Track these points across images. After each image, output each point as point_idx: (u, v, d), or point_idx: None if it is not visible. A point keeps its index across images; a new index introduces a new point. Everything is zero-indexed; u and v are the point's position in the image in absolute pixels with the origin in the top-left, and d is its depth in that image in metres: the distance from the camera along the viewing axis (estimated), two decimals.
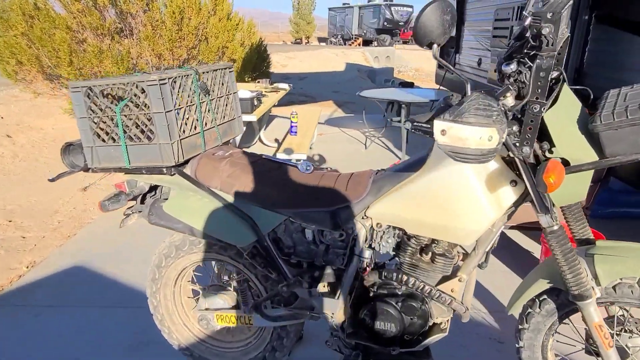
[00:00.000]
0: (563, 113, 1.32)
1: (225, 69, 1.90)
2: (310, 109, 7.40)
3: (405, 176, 1.54)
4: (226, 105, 1.90)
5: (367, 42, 28.48)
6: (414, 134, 6.59)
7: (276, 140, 6.22)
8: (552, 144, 1.31)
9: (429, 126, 1.23)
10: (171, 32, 6.13)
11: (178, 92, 1.61)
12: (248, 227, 1.63)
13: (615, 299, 1.46)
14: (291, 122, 4.68)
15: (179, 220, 1.68)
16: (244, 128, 1.99)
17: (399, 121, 6.27)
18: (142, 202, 1.83)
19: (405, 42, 30.30)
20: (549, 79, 1.25)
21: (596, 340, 1.46)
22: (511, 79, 1.58)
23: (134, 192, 1.77)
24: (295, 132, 4.69)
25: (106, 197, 1.73)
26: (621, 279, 1.43)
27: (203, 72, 1.75)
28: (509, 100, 1.40)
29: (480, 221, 1.43)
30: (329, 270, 1.67)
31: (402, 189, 1.52)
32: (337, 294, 1.69)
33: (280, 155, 4.16)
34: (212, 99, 1.81)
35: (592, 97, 1.43)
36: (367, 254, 1.62)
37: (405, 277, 1.60)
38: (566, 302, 1.53)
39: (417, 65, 17.63)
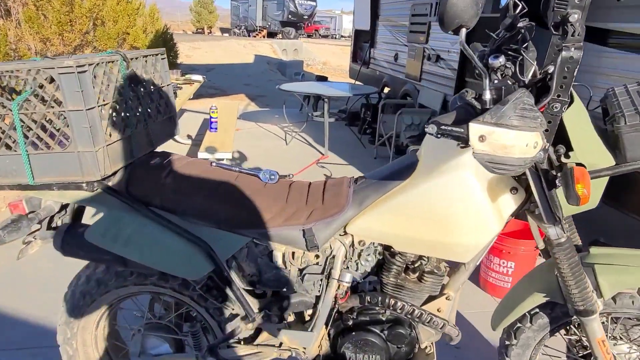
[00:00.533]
0: (577, 113, 1.17)
1: (157, 54, 1.53)
2: (228, 103, 6.97)
3: (392, 185, 1.32)
4: (160, 100, 1.53)
5: (271, 34, 28.11)
6: (338, 128, 6.48)
7: (189, 136, 5.72)
8: (569, 148, 1.16)
9: (460, 130, 1.01)
10: (59, 14, 5.32)
11: (101, 83, 1.22)
12: (202, 255, 1.30)
13: (614, 310, 1.37)
14: (210, 117, 4.27)
15: (106, 251, 1.29)
16: (180, 128, 1.63)
17: (320, 115, 6.10)
18: (51, 226, 1.40)
19: (309, 36, 30.43)
20: (566, 75, 1.09)
21: (597, 356, 1.36)
22: (498, 74, 1.43)
23: (38, 215, 1.34)
24: (216, 129, 4.29)
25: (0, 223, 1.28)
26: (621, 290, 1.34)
27: (132, 58, 1.37)
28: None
29: (481, 235, 1.25)
30: (301, 299, 1.40)
31: (390, 200, 1.29)
32: (311, 326, 1.42)
33: (202, 155, 3.76)
34: (143, 92, 1.43)
35: (591, 95, 1.31)
36: (348, 277, 1.37)
37: (391, 301, 1.38)
38: (561, 315, 1.41)
39: (325, 59, 17.70)
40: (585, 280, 1.29)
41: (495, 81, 1.38)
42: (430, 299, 1.45)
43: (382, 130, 5.34)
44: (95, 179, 1.22)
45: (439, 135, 1.04)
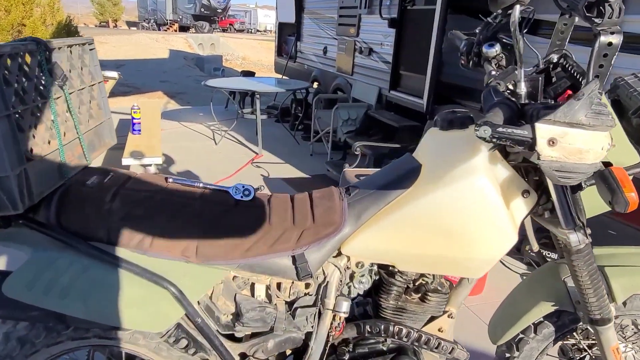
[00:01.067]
0: None
1: (84, 44, 1.20)
2: (149, 101, 6.41)
3: (393, 195, 1.12)
4: (91, 101, 1.21)
5: (183, 29, 26.91)
6: (269, 125, 6.21)
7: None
8: None
9: (524, 132, 0.83)
10: None
11: (15, 81, 0.90)
12: (168, 300, 1.02)
13: (624, 313, 1.29)
14: (133, 118, 3.82)
15: (36, 307, 0.97)
16: (116, 136, 1.32)
17: (251, 113, 5.80)
18: None
19: (224, 30, 29.55)
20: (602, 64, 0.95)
21: None
22: (493, 64, 1.29)
23: None
24: (139, 131, 3.85)
25: None
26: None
27: (54, 49, 1.04)
28: (523, 87, 1.09)
29: (499, 247, 1.10)
30: (289, 336, 1.17)
31: (392, 213, 1.10)
32: None
33: (127, 161, 3.33)
34: (72, 92, 1.11)
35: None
36: (344, 306, 1.16)
37: (395, 328, 1.19)
38: (567, 323, 1.32)
39: (243, 53, 17.21)
40: (602, 287, 1.19)
41: (493, 72, 1.24)
42: (431, 318, 1.28)
43: (317, 126, 5.17)
44: (14, 212, 0.90)
45: (494, 139, 0.85)
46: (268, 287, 1.13)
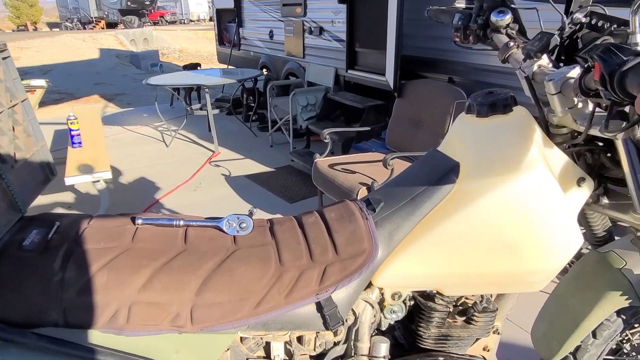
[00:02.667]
0: None
1: None
2: (85, 108, 5.85)
3: (429, 206, 0.90)
4: (14, 127, 0.90)
5: (111, 25, 25.39)
6: (221, 120, 5.82)
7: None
8: None
9: None
10: None
11: None
12: None
13: None
14: (70, 130, 3.38)
15: None
16: (54, 167, 1.00)
17: (200, 109, 5.41)
18: None
19: (155, 23, 28.18)
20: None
21: None
22: (504, 33, 1.08)
23: None
24: (80, 143, 3.42)
25: None
26: None
27: None
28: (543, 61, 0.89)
29: (567, 252, 0.90)
30: None
31: (432, 229, 0.88)
32: None
33: (71, 180, 2.93)
34: None
35: None
36: (383, 349, 0.94)
37: None
38: (628, 318, 1.15)
39: (180, 46, 16.40)
40: None
41: (511, 43, 1.03)
42: (476, 339, 1.08)
43: (274, 115, 4.87)
44: None
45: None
46: (287, 343, 0.88)
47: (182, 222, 0.88)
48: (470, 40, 1.14)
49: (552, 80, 0.83)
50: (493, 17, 1.05)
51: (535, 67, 0.88)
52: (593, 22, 0.96)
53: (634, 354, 1.34)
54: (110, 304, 0.73)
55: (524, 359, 1.91)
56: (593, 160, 0.95)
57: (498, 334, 1.10)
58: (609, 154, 0.94)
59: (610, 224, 1.23)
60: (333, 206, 0.97)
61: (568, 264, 1.28)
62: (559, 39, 0.88)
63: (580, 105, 0.84)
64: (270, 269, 0.82)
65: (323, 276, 0.83)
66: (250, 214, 0.96)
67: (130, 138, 5.40)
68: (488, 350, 1.10)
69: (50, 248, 0.77)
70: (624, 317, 1.14)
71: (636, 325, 1.22)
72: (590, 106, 0.84)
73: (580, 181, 0.93)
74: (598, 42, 0.80)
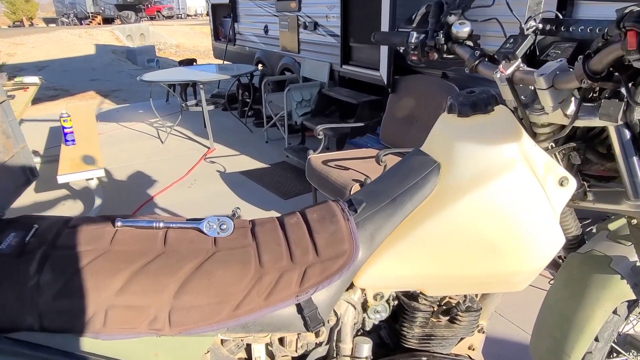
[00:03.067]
0: None
1: None
2: (80, 105, 5.83)
3: (410, 206, 0.89)
4: None
5: (108, 20, 25.28)
6: (216, 115, 5.80)
7: (35, 152, 4.63)
8: None
9: None
10: None
11: None
12: None
13: None
14: (63, 128, 3.37)
15: None
16: (36, 169, 0.99)
17: (195, 105, 5.39)
18: None
19: (152, 18, 28.06)
20: None
21: None
22: (467, 44, 1.09)
23: None
24: (73, 141, 3.41)
25: None
26: None
27: None
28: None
29: (549, 251, 0.90)
30: None
31: (413, 230, 0.87)
32: None
33: (63, 178, 2.92)
34: None
35: None
36: (365, 350, 0.93)
37: None
38: (625, 312, 1.14)
39: (177, 41, 16.33)
40: None
41: (477, 52, 1.04)
42: (461, 338, 1.08)
43: (269, 111, 4.86)
44: None
45: None
46: (269, 344, 0.88)
47: (162, 224, 0.87)
48: (429, 56, 1.15)
49: (544, 74, 0.82)
50: (454, 29, 1.08)
51: (512, 69, 0.88)
52: (547, 27, 0.97)
53: (633, 351, 1.34)
54: (87, 308, 0.73)
55: (515, 354, 1.91)
56: (577, 157, 0.95)
57: (483, 332, 1.10)
58: (594, 149, 0.94)
59: (581, 227, 1.23)
60: (315, 207, 0.97)
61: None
62: (534, 38, 0.88)
63: (572, 99, 0.85)
64: (250, 271, 0.82)
65: (303, 278, 0.83)
66: (234, 215, 0.96)
67: (125, 134, 5.39)
68: (473, 349, 1.10)
69: (27, 251, 0.76)
70: (622, 313, 1.13)
71: (631, 318, 1.22)
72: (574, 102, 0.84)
73: (562, 180, 0.93)
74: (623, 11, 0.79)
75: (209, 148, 4.73)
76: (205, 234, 0.87)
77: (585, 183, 1.02)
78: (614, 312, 1.12)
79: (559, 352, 1.12)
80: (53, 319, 0.72)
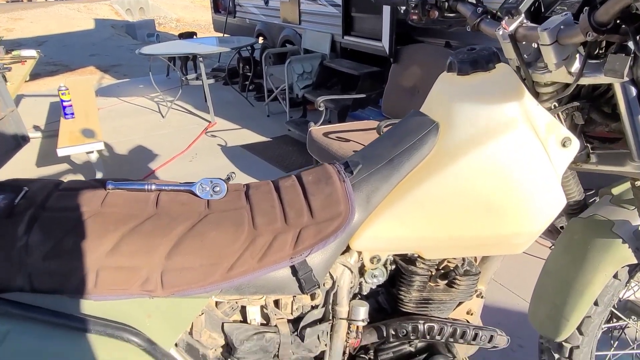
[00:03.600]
0: None
1: None
2: (79, 79, 5.78)
3: (408, 167, 0.87)
4: None
5: None
6: (217, 90, 5.74)
7: (37, 128, 4.62)
8: None
9: None
10: None
11: None
12: (133, 354, 0.74)
13: None
14: (62, 101, 3.35)
15: None
16: (26, 131, 0.97)
17: (195, 79, 5.34)
18: None
19: None
20: None
21: None
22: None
23: None
24: (72, 114, 3.39)
25: None
26: None
27: None
28: None
29: (549, 213, 0.88)
30: (297, 357, 0.93)
31: (411, 191, 0.85)
32: None
33: (63, 151, 2.91)
34: None
35: None
36: (362, 313, 0.93)
37: (424, 326, 0.98)
38: (625, 276, 1.12)
39: (177, 15, 16.06)
40: None
41: (479, 9, 1.00)
42: (459, 302, 1.08)
43: (270, 85, 4.80)
44: None
45: None
46: (264, 307, 0.88)
47: (154, 187, 0.86)
48: (430, 15, 1.11)
49: (547, 29, 0.79)
50: None
51: (515, 25, 0.84)
52: None
53: (633, 317, 1.34)
54: (77, 269, 0.72)
55: (514, 323, 1.92)
56: (580, 117, 0.92)
57: (482, 297, 1.09)
58: (598, 109, 0.91)
59: (583, 191, 1.21)
60: (311, 169, 0.95)
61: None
62: None
63: (577, 55, 0.81)
64: (243, 233, 0.80)
65: (297, 240, 0.81)
66: (228, 179, 0.94)
67: (126, 109, 5.35)
68: (472, 314, 1.10)
69: (16, 213, 0.75)
70: (623, 278, 1.12)
71: (632, 284, 1.21)
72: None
73: (565, 141, 0.90)
74: None
75: (210, 122, 4.69)
76: (198, 197, 0.86)
77: (588, 145, 0.99)
78: (615, 276, 1.10)
79: (558, 317, 1.11)
80: (43, 279, 0.71)
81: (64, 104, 3.36)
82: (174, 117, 4.94)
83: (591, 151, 0.99)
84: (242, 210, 0.84)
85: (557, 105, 0.92)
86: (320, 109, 3.04)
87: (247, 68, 5.76)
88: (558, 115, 0.92)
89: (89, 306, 0.73)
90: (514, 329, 1.88)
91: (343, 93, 4.13)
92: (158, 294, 0.75)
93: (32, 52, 4.31)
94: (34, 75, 6.95)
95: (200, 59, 4.61)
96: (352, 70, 3.86)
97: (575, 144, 0.91)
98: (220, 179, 0.88)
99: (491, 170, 0.83)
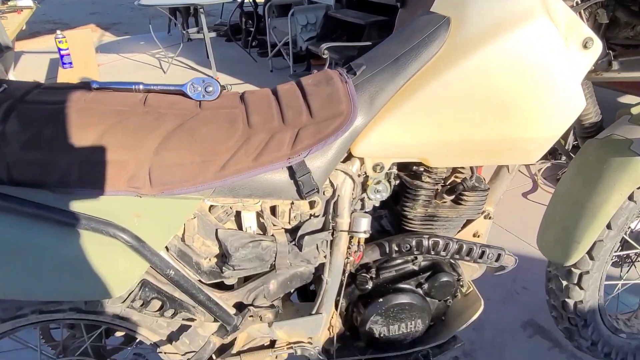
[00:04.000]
0: None
1: None
2: (78, 32, 5.64)
3: (416, 66, 0.81)
4: None
5: None
6: (220, 46, 5.60)
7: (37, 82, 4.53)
8: None
9: None
10: None
11: None
12: (120, 252, 0.70)
13: None
14: (59, 49, 3.26)
15: None
16: (11, 43, 0.91)
17: (197, 32, 5.20)
18: None
19: None
20: None
21: None
22: None
23: None
24: (70, 63, 3.31)
25: None
26: None
27: None
28: None
29: (566, 117, 0.82)
30: (296, 272, 0.89)
31: (418, 92, 0.79)
32: (316, 305, 0.93)
33: None
34: None
35: None
36: (364, 224, 0.88)
37: (428, 242, 0.93)
38: None
39: None
40: None
41: None
42: (466, 222, 1.03)
43: (273, 38, 4.67)
44: None
45: None
46: (260, 214, 0.83)
47: (142, 87, 0.80)
48: None
49: None
50: None
51: None
52: None
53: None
54: (57, 161, 0.67)
55: (520, 266, 1.88)
56: (604, 15, 0.85)
57: (490, 218, 1.05)
58: (624, 6, 0.84)
59: (600, 112, 1.14)
60: (312, 75, 0.88)
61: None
62: None
63: None
64: (238, 131, 0.75)
65: (296, 139, 0.76)
66: (224, 88, 0.88)
67: (126, 66, 5.24)
68: (478, 236, 1.05)
69: None
70: (636, 200, 1.06)
71: None
72: None
73: (587, 41, 0.83)
74: None
75: (212, 77, 4.59)
76: (190, 98, 0.80)
77: (610, 52, 0.92)
78: (630, 197, 1.05)
79: (569, 240, 1.06)
80: (22, 169, 0.66)
81: (62, 52, 3.28)
82: (175, 73, 4.84)
83: (613, 59, 0.92)
84: (237, 109, 0.79)
85: (579, 1, 0.85)
86: (324, 56, 2.95)
87: (249, 23, 5.59)
88: (580, 13, 0.85)
89: (72, 201, 0.68)
90: (518, 271, 1.85)
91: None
92: (146, 192, 0.71)
93: (29, 2, 4.19)
94: (34, 33, 6.82)
95: (202, 9, 4.47)
96: (358, 20, 3.72)
97: (597, 46, 0.84)
98: (213, 78, 0.82)
99: (505, 67, 0.77)
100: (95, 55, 3.76)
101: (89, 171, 0.68)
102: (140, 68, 5.07)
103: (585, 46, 0.83)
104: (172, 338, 0.91)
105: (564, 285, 1.16)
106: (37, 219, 0.66)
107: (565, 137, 2.26)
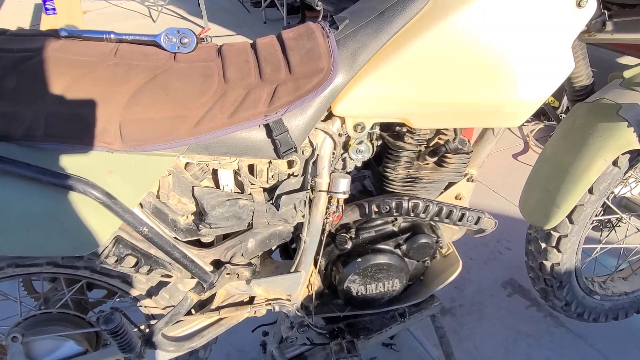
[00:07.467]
0: None
1: None
2: None
3: (400, 22, 0.77)
4: None
5: None
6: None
7: (20, 29, 4.37)
8: None
9: None
10: None
11: None
12: (91, 208, 0.69)
13: None
14: None
15: None
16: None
17: None
18: None
19: None
20: None
21: None
22: None
23: None
24: (54, 9, 3.18)
25: None
26: None
27: None
28: None
29: (554, 79, 0.80)
30: (275, 231, 0.89)
31: (402, 50, 0.76)
32: (295, 263, 0.94)
33: None
34: None
35: None
36: (343, 185, 0.87)
37: (408, 203, 0.93)
38: (626, 164, 1.06)
39: None
40: None
41: None
42: (448, 185, 1.03)
43: None
44: None
45: None
46: (237, 173, 0.82)
47: (113, 36, 0.76)
48: None
49: None
50: None
51: None
52: None
53: (627, 213, 1.30)
54: (22, 113, 0.64)
55: (504, 226, 1.90)
56: None
57: (472, 181, 1.04)
58: None
59: (592, 74, 1.11)
60: (293, 28, 0.85)
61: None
62: None
63: None
64: (213, 86, 0.72)
65: (273, 96, 0.73)
66: (200, 39, 0.84)
67: (115, 13, 5.05)
68: (460, 199, 1.05)
69: None
70: (620, 166, 1.06)
71: (631, 172, 1.15)
72: None
73: (581, 0, 0.79)
74: None
75: (203, 28, 4.45)
76: (164, 48, 0.77)
77: (605, 12, 0.89)
78: (614, 163, 1.04)
79: (550, 204, 1.06)
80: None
81: None
82: (165, 22, 4.68)
83: (607, 19, 0.89)
84: (212, 63, 0.76)
85: None
86: (318, 8, 2.84)
87: None
88: None
89: (40, 155, 0.66)
90: (502, 232, 1.88)
91: None
92: (117, 147, 0.69)
93: None
94: None
95: None
96: None
97: (591, 4, 0.80)
98: (189, 29, 0.79)
99: (494, 25, 0.74)
100: (79, 1, 3.61)
101: (56, 124, 0.66)
102: (129, 16, 4.89)
103: (579, 4, 0.79)
104: (151, 293, 0.92)
105: (542, 247, 1.17)
106: (2, 174, 0.64)
107: (559, 99, 2.23)
